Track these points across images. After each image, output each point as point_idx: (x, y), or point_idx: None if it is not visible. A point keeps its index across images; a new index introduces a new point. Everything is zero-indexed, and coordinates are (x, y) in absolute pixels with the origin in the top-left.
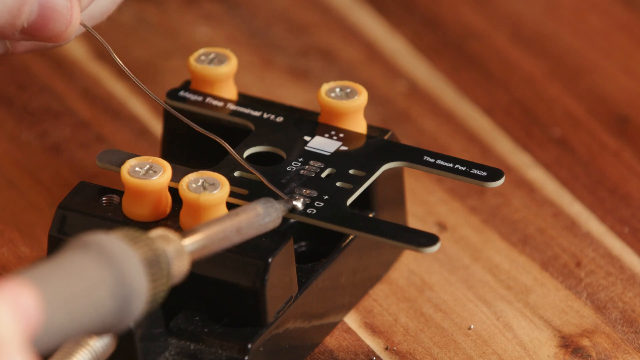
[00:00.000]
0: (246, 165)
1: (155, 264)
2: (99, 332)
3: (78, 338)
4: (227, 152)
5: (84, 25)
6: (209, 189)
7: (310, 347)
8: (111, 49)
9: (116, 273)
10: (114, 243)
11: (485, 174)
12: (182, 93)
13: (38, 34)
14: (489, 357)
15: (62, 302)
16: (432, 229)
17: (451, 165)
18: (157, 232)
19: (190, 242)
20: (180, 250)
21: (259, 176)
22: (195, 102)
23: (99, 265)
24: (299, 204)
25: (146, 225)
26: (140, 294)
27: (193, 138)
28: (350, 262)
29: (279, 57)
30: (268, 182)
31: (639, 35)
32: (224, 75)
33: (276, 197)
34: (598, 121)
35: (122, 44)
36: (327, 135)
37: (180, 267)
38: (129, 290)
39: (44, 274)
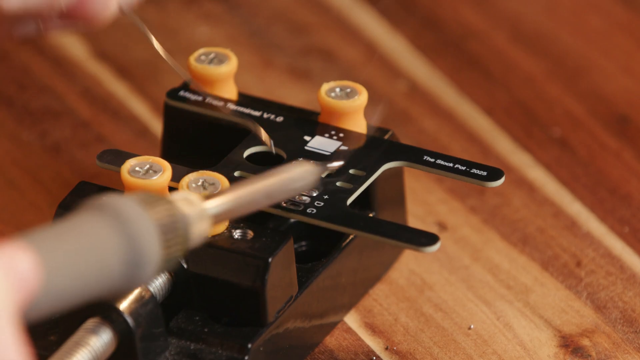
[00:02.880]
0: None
1: (171, 229)
2: (105, 296)
3: (86, 302)
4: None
5: (122, 9)
6: (209, 189)
7: (310, 347)
8: (149, 32)
9: (128, 239)
10: (130, 206)
11: (485, 173)
12: (182, 93)
13: (75, 16)
14: (489, 357)
15: (65, 265)
16: (432, 229)
17: (451, 165)
18: (180, 195)
19: (214, 205)
20: (202, 214)
21: (278, 150)
22: (195, 102)
23: (110, 229)
24: (335, 165)
25: None
26: (151, 260)
27: (193, 138)
28: (350, 262)
29: (279, 57)
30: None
31: (639, 35)
32: (224, 75)
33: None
34: (598, 121)
35: (122, 44)
36: (327, 135)
37: (200, 231)
38: (140, 257)
39: (46, 237)
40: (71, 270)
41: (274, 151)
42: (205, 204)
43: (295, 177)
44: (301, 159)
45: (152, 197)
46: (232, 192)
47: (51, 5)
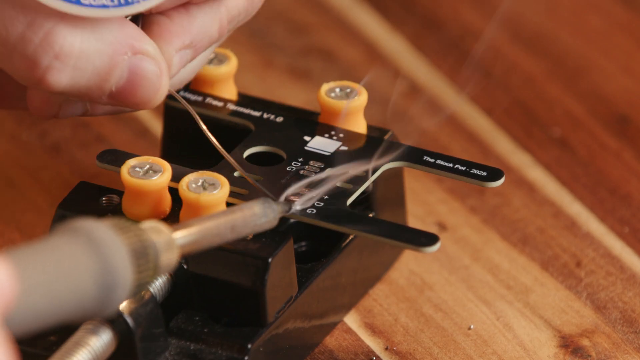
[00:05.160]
0: (240, 170)
1: (142, 255)
2: (78, 318)
3: (59, 323)
4: (228, 152)
5: (171, 92)
6: (209, 189)
7: (310, 347)
8: (198, 117)
9: (101, 261)
10: (103, 231)
11: (485, 173)
12: (182, 93)
13: (125, 100)
14: (489, 357)
15: (41, 283)
16: (432, 229)
17: (451, 165)
18: (149, 224)
19: (182, 235)
20: (170, 243)
21: (253, 182)
22: (195, 102)
23: (85, 251)
24: (297, 205)
25: None
26: (124, 284)
27: (193, 138)
28: (350, 262)
29: (279, 57)
30: (262, 186)
31: (639, 35)
32: (224, 75)
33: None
34: (598, 121)
35: None
36: (327, 135)
37: (168, 260)
38: (112, 279)
39: (24, 254)
40: (46, 287)
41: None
42: (174, 234)
43: (259, 213)
44: (266, 197)
45: (123, 224)
46: (199, 224)
47: (101, 87)
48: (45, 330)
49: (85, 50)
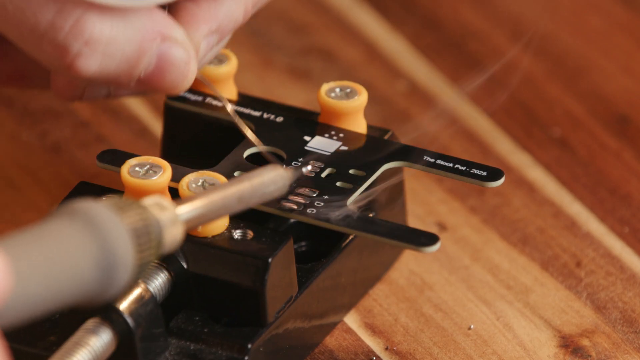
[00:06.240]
0: (262, 148)
1: (144, 234)
2: (80, 303)
3: (62, 308)
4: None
5: (200, 77)
6: (208, 190)
7: (310, 347)
8: (226, 100)
9: (101, 242)
10: (101, 210)
11: (485, 173)
12: (182, 93)
13: (153, 85)
14: (489, 357)
15: (39, 267)
16: (432, 229)
17: (451, 165)
18: (151, 200)
19: (186, 210)
20: (174, 219)
21: (267, 155)
22: (195, 102)
23: (84, 232)
24: (306, 170)
25: None
26: (125, 264)
27: (193, 138)
28: (350, 262)
29: (279, 57)
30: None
31: (639, 35)
32: (224, 75)
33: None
34: (598, 121)
35: None
36: (327, 135)
37: (173, 236)
38: (113, 260)
39: (18, 241)
40: (43, 274)
41: (262, 149)
42: (178, 209)
43: (267, 181)
44: (275, 164)
45: (124, 202)
46: (204, 197)
47: (129, 73)
48: (48, 315)
49: (114, 37)
